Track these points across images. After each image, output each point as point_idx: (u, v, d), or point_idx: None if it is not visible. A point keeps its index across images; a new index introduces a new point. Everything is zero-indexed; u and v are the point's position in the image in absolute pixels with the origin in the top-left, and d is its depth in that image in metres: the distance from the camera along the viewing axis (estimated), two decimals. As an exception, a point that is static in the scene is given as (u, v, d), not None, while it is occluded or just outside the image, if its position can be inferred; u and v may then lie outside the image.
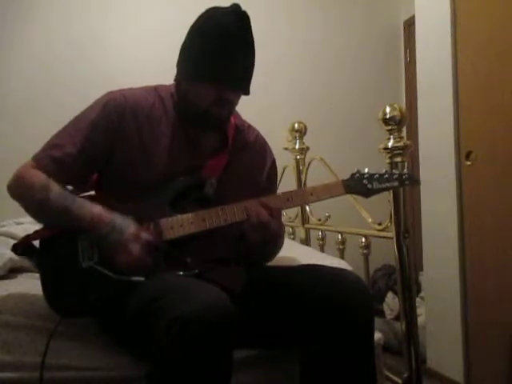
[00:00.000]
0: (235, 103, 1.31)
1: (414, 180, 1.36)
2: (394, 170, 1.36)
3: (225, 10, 1.24)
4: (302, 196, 1.30)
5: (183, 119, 1.32)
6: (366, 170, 1.32)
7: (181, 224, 1.23)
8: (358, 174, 1.31)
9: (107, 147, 1.26)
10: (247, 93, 1.30)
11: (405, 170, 1.68)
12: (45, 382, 1.16)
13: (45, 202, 1.18)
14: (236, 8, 1.24)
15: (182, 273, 1.21)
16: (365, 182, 1.31)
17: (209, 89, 1.24)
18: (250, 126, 1.45)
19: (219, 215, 1.23)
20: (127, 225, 1.17)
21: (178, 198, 1.27)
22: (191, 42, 1.27)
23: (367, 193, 1.31)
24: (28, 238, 1.27)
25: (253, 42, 1.26)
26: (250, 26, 1.25)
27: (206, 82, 1.24)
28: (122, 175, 1.27)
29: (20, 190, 1.23)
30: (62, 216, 1.18)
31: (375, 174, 1.32)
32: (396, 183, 1.33)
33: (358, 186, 1.31)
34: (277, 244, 1.38)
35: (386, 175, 1.32)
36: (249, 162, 1.40)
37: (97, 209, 1.19)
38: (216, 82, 1.23)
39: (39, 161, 1.24)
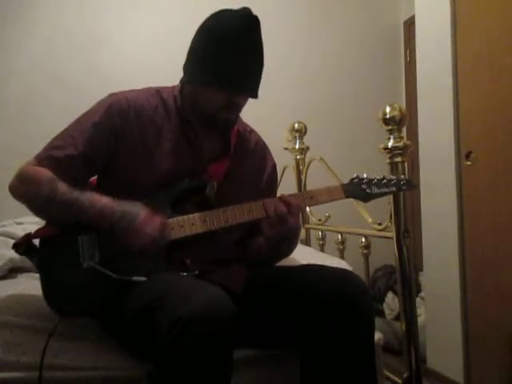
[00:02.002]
0: (242, 107, 1.32)
1: (411, 186, 1.38)
2: (392, 176, 1.38)
3: (235, 14, 1.24)
4: (302, 199, 1.31)
5: (186, 123, 1.32)
6: (365, 175, 1.34)
7: (182, 225, 1.23)
8: (357, 179, 1.34)
9: (109, 150, 1.26)
10: (256, 96, 1.30)
11: (405, 172, 1.69)
12: (44, 382, 1.16)
13: (53, 195, 1.18)
14: (246, 12, 1.24)
15: (184, 274, 1.21)
16: (364, 186, 1.33)
17: (218, 94, 1.24)
18: (251, 131, 1.46)
19: (220, 217, 1.24)
20: (139, 209, 1.18)
21: (179, 200, 1.27)
22: (200, 45, 1.27)
23: (366, 197, 1.34)
24: (29, 237, 1.26)
25: (262, 45, 1.27)
26: (260, 31, 1.25)
27: (216, 87, 1.24)
28: (123, 177, 1.27)
29: (25, 188, 1.22)
30: (71, 208, 1.18)
31: (374, 179, 1.34)
32: (393, 188, 1.36)
33: (357, 190, 1.33)
34: (291, 242, 1.37)
35: (385, 180, 1.35)
36: (250, 167, 1.41)
37: (106, 199, 1.19)
38: (226, 88, 1.23)
39: (41, 161, 1.24)
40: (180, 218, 1.23)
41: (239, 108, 1.30)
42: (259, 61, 1.28)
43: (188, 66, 1.30)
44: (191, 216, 1.23)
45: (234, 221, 1.24)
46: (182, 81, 1.33)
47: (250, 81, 1.27)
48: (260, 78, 1.30)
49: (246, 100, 1.30)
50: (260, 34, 1.26)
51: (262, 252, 1.36)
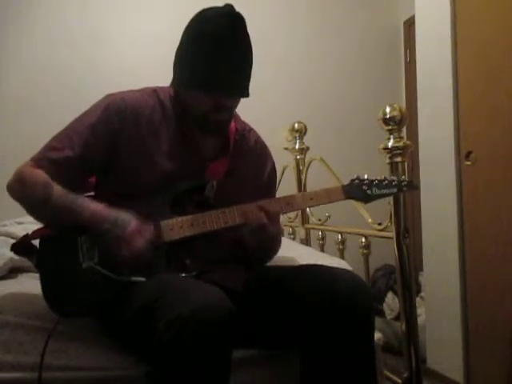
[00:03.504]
0: (234, 108, 1.31)
1: (412, 186, 1.38)
2: (393, 177, 1.38)
3: (217, 13, 1.22)
4: (302, 200, 1.31)
5: (183, 122, 1.32)
6: (366, 176, 1.33)
7: (181, 226, 1.22)
8: (357, 180, 1.33)
9: (107, 151, 1.26)
10: (246, 96, 1.29)
11: (405, 172, 1.69)
12: (44, 382, 1.16)
13: (47, 199, 1.18)
14: (229, 11, 1.22)
15: (183, 274, 1.21)
16: (364, 187, 1.32)
17: (204, 97, 1.23)
18: (250, 130, 1.45)
19: (219, 218, 1.23)
20: (129, 220, 1.17)
21: (178, 200, 1.27)
22: (184, 48, 1.26)
23: (367, 199, 1.33)
24: (27, 238, 1.26)
25: (248, 44, 1.25)
26: (245, 28, 1.23)
27: (201, 91, 1.23)
28: (122, 178, 1.27)
29: (21, 189, 1.23)
30: (64, 213, 1.18)
31: (374, 180, 1.33)
32: (395, 190, 1.34)
33: (357, 191, 1.32)
34: (273, 248, 1.39)
35: (386, 181, 1.34)
36: (249, 166, 1.40)
37: (98, 206, 1.19)
38: (211, 91, 1.22)
39: (38, 162, 1.24)
40: (179, 218, 1.23)
41: (230, 109, 1.29)
42: (245, 59, 1.25)
43: (175, 69, 1.30)
44: (190, 217, 1.23)
45: (234, 222, 1.24)
46: (171, 83, 1.33)
47: (236, 81, 1.25)
48: (248, 76, 1.28)
49: (236, 101, 1.30)
50: (244, 31, 1.23)
51: (246, 255, 1.36)
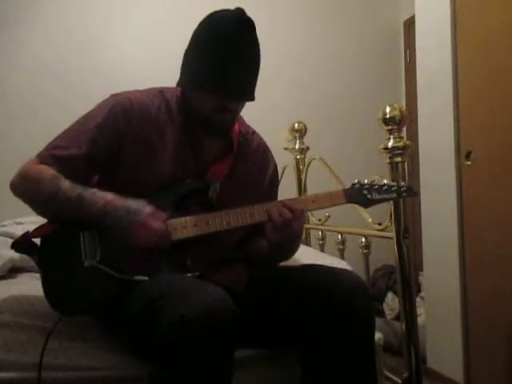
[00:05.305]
0: (239, 111, 1.31)
1: (412, 192, 1.39)
2: (393, 182, 1.39)
3: (227, 16, 1.21)
4: (303, 203, 1.31)
5: (188, 123, 1.32)
6: (366, 181, 1.35)
7: (184, 226, 1.23)
8: (358, 185, 1.34)
9: (112, 150, 1.25)
10: (251, 99, 1.28)
11: (405, 172, 1.69)
12: (44, 382, 1.16)
13: (55, 192, 1.18)
14: (239, 15, 1.21)
15: (189, 274, 1.21)
16: (365, 192, 1.34)
17: (209, 98, 1.23)
18: (253, 133, 1.45)
19: (222, 219, 1.24)
20: (143, 206, 1.19)
21: (181, 200, 1.27)
22: (193, 49, 1.26)
23: (367, 203, 1.35)
24: (27, 235, 1.25)
25: (256, 48, 1.25)
26: (254, 33, 1.23)
27: (207, 92, 1.23)
28: (125, 177, 1.27)
29: (27, 186, 1.22)
30: (74, 205, 1.18)
31: (375, 185, 1.34)
32: (394, 195, 1.36)
33: (358, 196, 1.34)
34: (293, 246, 1.38)
35: (386, 186, 1.35)
36: (251, 168, 1.40)
37: (110, 195, 1.19)
38: (216, 93, 1.22)
39: (43, 159, 1.23)
40: (183, 219, 1.23)
41: (234, 112, 1.28)
42: (253, 63, 1.26)
43: (182, 69, 1.30)
44: (193, 217, 1.23)
45: (236, 223, 1.24)
46: (177, 83, 1.33)
47: (242, 85, 1.25)
48: (255, 80, 1.28)
49: (241, 104, 1.30)
50: (254, 35, 1.23)
51: (263, 254, 1.36)
